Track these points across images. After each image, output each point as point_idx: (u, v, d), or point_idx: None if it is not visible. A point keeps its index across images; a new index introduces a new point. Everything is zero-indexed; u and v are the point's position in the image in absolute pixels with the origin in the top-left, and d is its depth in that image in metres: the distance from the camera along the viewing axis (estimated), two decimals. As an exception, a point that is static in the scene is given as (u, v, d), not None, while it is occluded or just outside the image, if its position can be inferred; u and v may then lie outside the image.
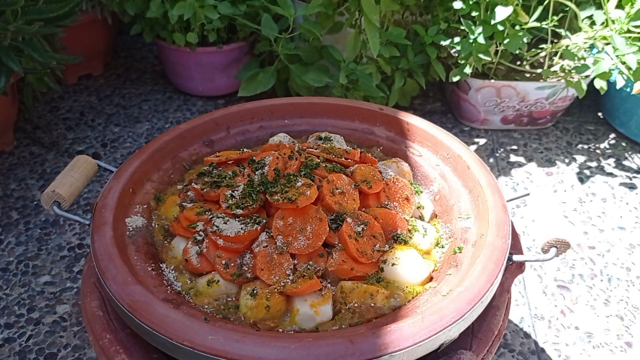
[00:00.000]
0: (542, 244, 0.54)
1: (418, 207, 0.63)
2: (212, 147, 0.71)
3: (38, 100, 1.35)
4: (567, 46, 1.17)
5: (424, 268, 0.54)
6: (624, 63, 1.02)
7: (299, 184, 0.55)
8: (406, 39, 1.19)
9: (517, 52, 1.16)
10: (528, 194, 0.63)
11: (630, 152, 1.27)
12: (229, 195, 0.57)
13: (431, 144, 0.69)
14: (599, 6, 1.12)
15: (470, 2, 1.12)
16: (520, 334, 0.86)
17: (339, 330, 0.48)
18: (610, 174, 1.20)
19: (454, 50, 1.23)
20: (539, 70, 1.23)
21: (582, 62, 1.16)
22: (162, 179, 0.66)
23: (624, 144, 1.29)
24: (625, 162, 1.23)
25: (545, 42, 1.19)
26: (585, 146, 1.28)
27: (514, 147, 1.28)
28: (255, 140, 0.73)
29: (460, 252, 0.56)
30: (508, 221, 0.56)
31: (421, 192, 0.66)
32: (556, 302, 0.91)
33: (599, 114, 1.39)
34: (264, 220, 0.55)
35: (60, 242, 1.00)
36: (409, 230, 0.58)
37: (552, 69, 1.21)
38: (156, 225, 0.60)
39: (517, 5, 1.08)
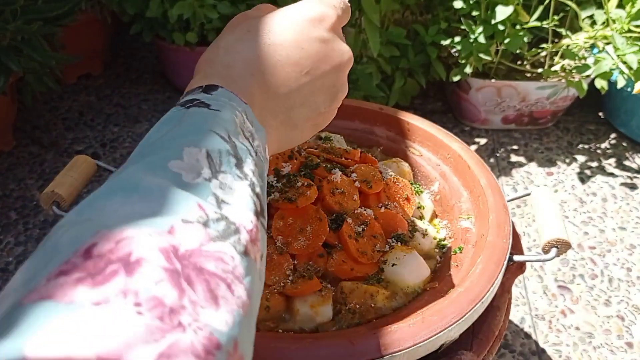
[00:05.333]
0: (543, 244, 0.54)
1: (418, 207, 0.63)
2: (212, 146, 0.71)
3: (37, 100, 1.35)
4: (567, 46, 1.17)
5: (424, 268, 0.54)
6: (624, 63, 1.02)
7: (298, 184, 0.55)
8: (406, 38, 1.19)
9: (518, 51, 1.16)
10: (528, 194, 0.63)
11: (631, 152, 1.26)
12: (229, 195, 0.56)
13: (431, 144, 0.69)
14: (600, 6, 1.12)
15: (471, 2, 1.12)
16: (521, 335, 0.86)
17: (339, 331, 0.48)
18: (611, 174, 1.20)
19: (454, 49, 1.22)
20: (539, 70, 1.23)
21: (582, 61, 1.16)
22: (162, 179, 0.65)
23: (624, 144, 1.29)
24: (626, 162, 1.23)
25: (546, 41, 1.19)
26: (586, 146, 1.28)
27: (515, 147, 1.28)
28: (255, 140, 0.73)
29: (460, 253, 0.56)
30: (509, 221, 0.56)
31: (421, 192, 0.66)
32: (557, 302, 0.91)
33: (600, 113, 1.38)
34: (264, 221, 0.55)
35: (59, 242, 1.00)
36: (409, 231, 0.58)
37: (552, 69, 1.21)
38: (155, 226, 0.60)
39: (517, 4, 1.08)
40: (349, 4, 0.40)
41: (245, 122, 0.32)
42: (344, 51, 0.38)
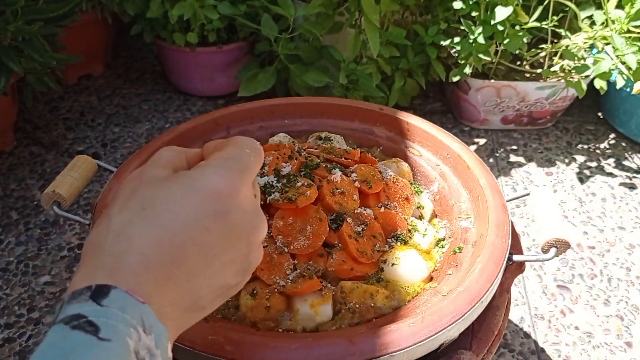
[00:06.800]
0: (542, 244, 0.54)
1: (418, 207, 0.63)
2: (212, 147, 0.71)
3: (38, 100, 1.35)
4: (567, 46, 1.17)
5: (423, 268, 0.54)
6: (624, 63, 1.02)
7: (299, 184, 0.55)
8: (406, 39, 1.19)
9: (517, 52, 1.16)
10: (528, 194, 0.63)
11: (630, 152, 1.27)
12: (229, 195, 0.56)
13: (431, 144, 0.69)
14: (599, 6, 1.12)
15: (470, 2, 1.12)
16: (520, 334, 0.86)
17: (339, 330, 0.48)
18: (610, 174, 1.20)
19: (454, 50, 1.23)
20: (539, 70, 1.23)
21: (582, 62, 1.16)
22: (162, 179, 0.65)
23: (623, 144, 1.29)
24: (625, 162, 1.23)
25: (545, 42, 1.19)
26: (585, 146, 1.28)
27: (514, 147, 1.28)
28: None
29: (460, 252, 0.56)
30: (508, 221, 0.56)
31: (421, 192, 0.66)
32: (556, 302, 0.91)
33: (599, 114, 1.39)
34: (264, 220, 0.55)
35: (60, 242, 1.00)
36: (409, 230, 0.58)
37: (552, 69, 1.21)
38: (156, 225, 0.60)
39: (517, 5, 1.08)
40: (260, 148, 0.36)
41: (142, 337, 0.27)
42: (253, 218, 0.34)
